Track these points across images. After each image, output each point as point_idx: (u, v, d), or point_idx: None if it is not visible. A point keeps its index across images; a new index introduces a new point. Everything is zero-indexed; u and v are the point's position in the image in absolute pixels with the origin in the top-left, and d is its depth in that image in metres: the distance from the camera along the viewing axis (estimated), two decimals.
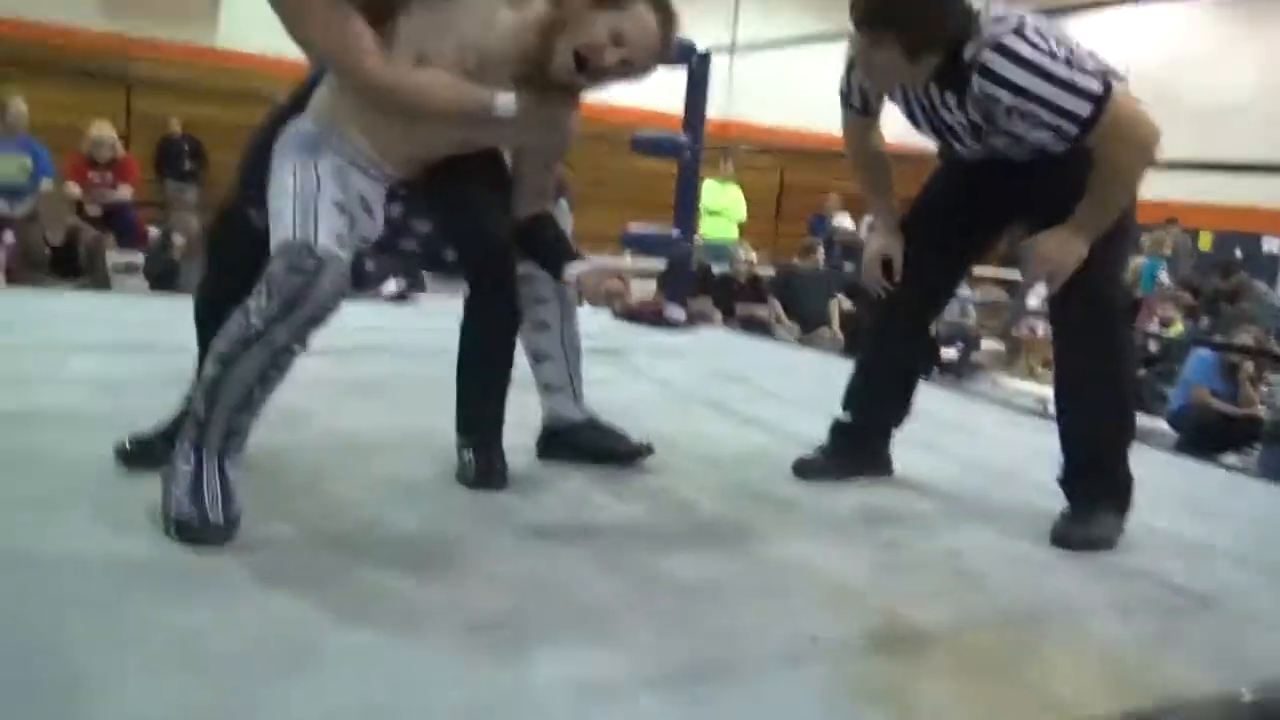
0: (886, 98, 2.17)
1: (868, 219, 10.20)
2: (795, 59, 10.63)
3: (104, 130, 7.20)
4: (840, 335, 7.44)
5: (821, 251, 8.24)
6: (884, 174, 2.30)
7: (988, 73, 1.86)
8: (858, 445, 2.38)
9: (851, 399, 2.39)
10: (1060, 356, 2.18)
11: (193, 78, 9.05)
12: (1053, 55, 1.84)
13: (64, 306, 3.79)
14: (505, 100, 1.78)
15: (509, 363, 2.09)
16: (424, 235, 2.05)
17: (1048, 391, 6.45)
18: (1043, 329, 8.45)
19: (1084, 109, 1.83)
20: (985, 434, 3.03)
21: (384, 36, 1.78)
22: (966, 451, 2.72)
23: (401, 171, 1.91)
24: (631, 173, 8.99)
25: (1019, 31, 1.86)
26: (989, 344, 8.47)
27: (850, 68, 2.14)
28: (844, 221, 9.58)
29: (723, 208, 8.99)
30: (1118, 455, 2.10)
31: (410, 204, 2.01)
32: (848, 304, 7.70)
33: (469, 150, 1.95)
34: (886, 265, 2.25)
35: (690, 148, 4.21)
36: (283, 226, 1.68)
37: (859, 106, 2.20)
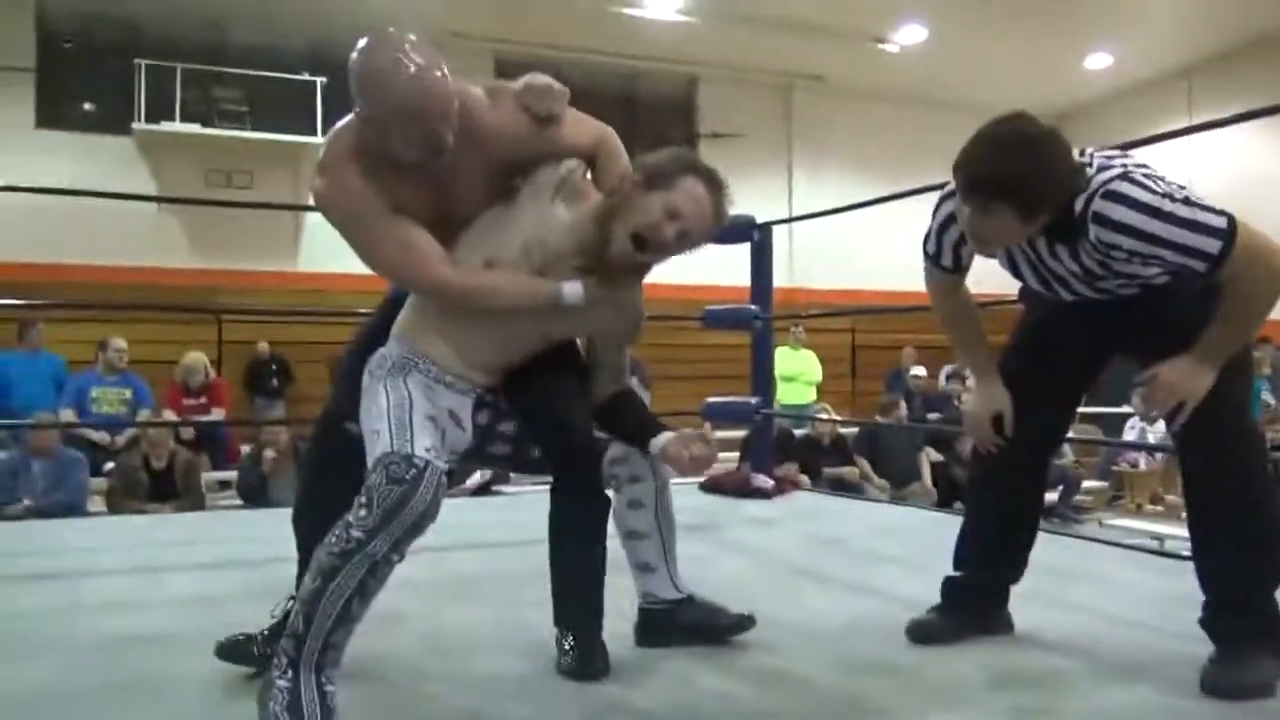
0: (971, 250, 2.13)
1: (946, 368, 10.12)
2: (850, 222, 10.89)
3: (195, 358, 7.54)
4: (933, 489, 7.23)
5: (904, 406, 8.13)
6: (975, 327, 2.23)
7: (1105, 220, 1.80)
8: (975, 604, 2.24)
9: (965, 555, 2.28)
10: (1192, 490, 2.03)
11: (277, 301, 9.53)
12: (1169, 196, 1.79)
13: (161, 529, 3.86)
14: (573, 289, 1.86)
15: (601, 549, 2.06)
16: (511, 437, 2.05)
17: (1160, 528, 6.16)
18: (1144, 462, 8.13)
19: (1213, 246, 1.76)
20: (1106, 579, 2.84)
21: (450, 245, 1.89)
22: (1090, 600, 2.55)
23: (487, 379, 1.98)
24: (702, 349, 9.09)
25: (1127, 176, 1.82)
26: (1090, 483, 8.14)
27: (943, 230, 2.07)
28: (919, 372, 9.48)
29: (797, 373, 9.00)
30: (1265, 591, 1.94)
31: (496, 409, 2.04)
32: (936, 456, 7.51)
33: (547, 345, 2.00)
34: (996, 419, 2.17)
35: (760, 317, 4.24)
36: (381, 441, 1.73)
37: (950, 266, 2.12)
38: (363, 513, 1.66)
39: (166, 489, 5.73)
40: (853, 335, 12.06)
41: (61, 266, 8.97)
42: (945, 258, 2.11)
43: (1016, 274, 2.09)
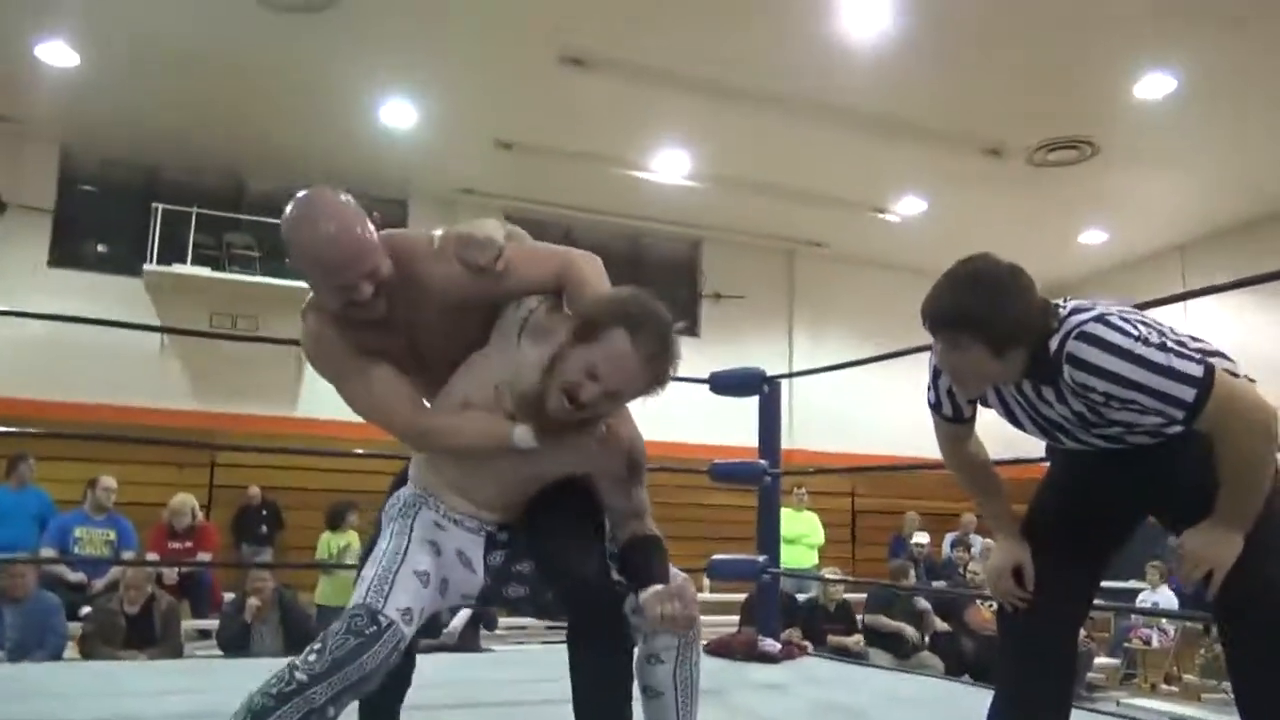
0: (979, 403, 2.09)
1: (950, 536, 9.94)
2: (849, 386, 10.92)
3: (183, 500, 7.36)
4: (938, 660, 6.96)
5: (913, 574, 7.92)
6: (989, 478, 2.16)
7: (1077, 362, 1.77)
8: None
9: None
10: (1236, 665, 1.91)
11: (272, 446, 9.42)
12: (1144, 340, 1.75)
13: (136, 677, 3.65)
14: (522, 433, 1.80)
15: (626, 696, 1.92)
16: (528, 577, 1.95)
17: (1178, 709, 5.89)
18: (1157, 639, 7.87)
19: (1186, 394, 1.71)
20: None
21: (434, 388, 1.91)
22: None
23: (498, 516, 1.92)
24: (706, 508, 8.97)
25: (1103, 319, 1.79)
26: (1102, 659, 7.85)
27: (936, 376, 2.05)
28: (923, 539, 9.30)
29: (800, 535, 8.82)
30: None
31: (511, 549, 1.95)
32: (942, 625, 7.27)
33: (544, 484, 1.93)
34: (1016, 574, 2.07)
35: (769, 472, 4.14)
36: (359, 590, 1.73)
37: (950, 415, 2.08)
38: (312, 657, 1.63)
39: (144, 635, 5.48)
40: (853, 500, 11.91)
41: (57, 404, 8.90)
42: (944, 407, 2.08)
43: (1014, 421, 2.03)
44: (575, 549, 1.93)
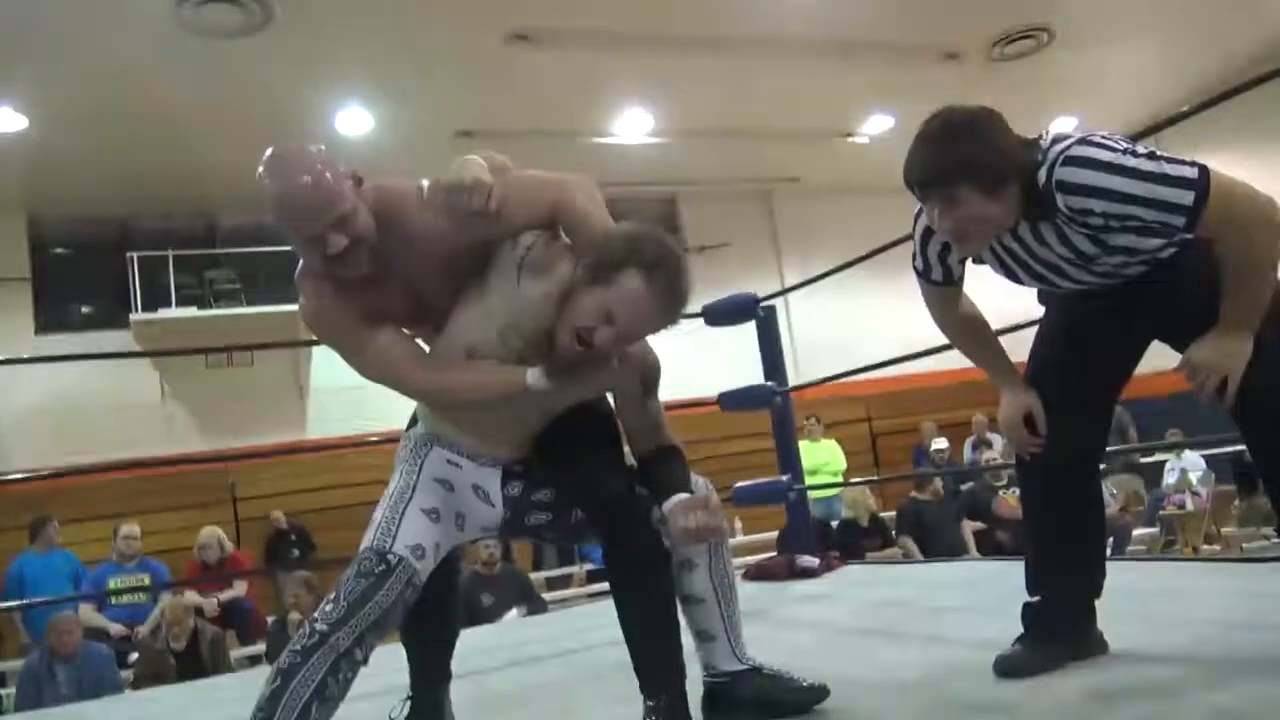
0: (973, 260, 2.06)
1: (969, 439, 9.95)
2: (850, 309, 10.92)
3: (209, 532, 7.30)
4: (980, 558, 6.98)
5: (939, 482, 7.94)
6: (985, 334, 2.14)
7: (1069, 187, 1.73)
8: (1062, 626, 2.06)
9: (1038, 577, 2.12)
10: (1264, 456, 1.89)
11: (289, 470, 9.44)
12: (1131, 153, 1.72)
13: (190, 697, 3.66)
14: (535, 376, 1.77)
15: (669, 602, 1.91)
16: (549, 504, 1.94)
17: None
18: (1190, 503, 7.89)
19: (1185, 197, 1.67)
20: (1192, 591, 2.66)
21: (434, 338, 1.89)
22: (1183, 612, 2.38)
23: (509, 452, 1.90)
24: (718, 459, 8.96)
25: (1086, 140, 1.76)
26: (1140, 530, 7.87)
27: (924, 242, 2.01)
28: (942, 445, 9.32)
29: (821, 464, 8.85)
30: None
31: (529, 478, 1.94)
32: (977, 524, 7.29)
33: (554, 415, 1.91)
34: (1029, 421, 2.06)
35: (777, 392, 4.13)
36: (367, 533, 1.74)
37: (941, 279, 2.05)
38: (329, 607, 1.64)
39: (194, 668, 5.50)
40: (869, 424, 11.92)
41: (68, 468, 8.90)
42: (935, 271, 2.04)
43: (1013, 277, 2.00)
44: (596, 465, 1.91)
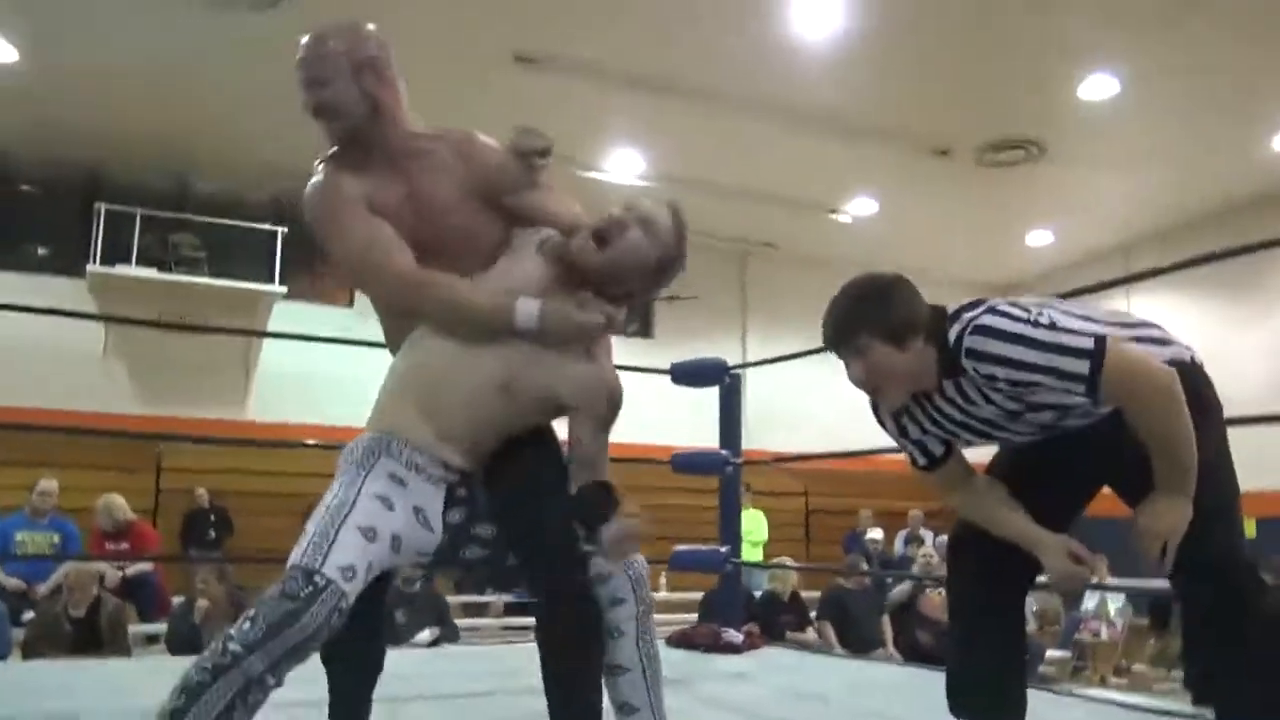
0: (924, 435, 2.02)
1: (902, 533, 10.03)
2: (804, 383, 10.99)
3: (110, 498, 7.02)
4: (897, 655, 7.01)
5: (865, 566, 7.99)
6: (1001, 506, 2.02)
7: (975, 355, 1.79)
8: None
9: (964, 700, 2.11)
10: (1193, 637, 1.92)
11: (220, 450, 9.23)
12: (1033, 322, 1.79)
13: (83, 675, 3.54)
14: (526, 309, 1.82)
15: (596, 657, 1.88)
16: (487, 540, 1.92)
17: (1133, 699, 5.99)
18: (1105, 632, 8.01)
19: (1080, 367, 1.73)
20: None
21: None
22: None
23: (461, 457, 1.84)
24: (662, 509, 8.96)
25: (992, 309, 1.83)
26: (1053, 653, 7.96)
27: (900, 436, 2.04)
28: (876, 535, 9.39)
29: (745, 532, 8.88)
30: None
31: (471, 507, 1.90)
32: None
33: (525, 425, 1.91)
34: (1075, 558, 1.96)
35: (731, 462, 4.14)
36: (297, 550, 1.64)
37: (924, 464, 2.05)
38: (246, 625, 1.54)
39: (90, 639, 5.33)
40: (806, 499, 11.98)
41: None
42: (917, 457, 2.06)
43: (956, 439, 2.02)
44: (548, 501, 1.88)
